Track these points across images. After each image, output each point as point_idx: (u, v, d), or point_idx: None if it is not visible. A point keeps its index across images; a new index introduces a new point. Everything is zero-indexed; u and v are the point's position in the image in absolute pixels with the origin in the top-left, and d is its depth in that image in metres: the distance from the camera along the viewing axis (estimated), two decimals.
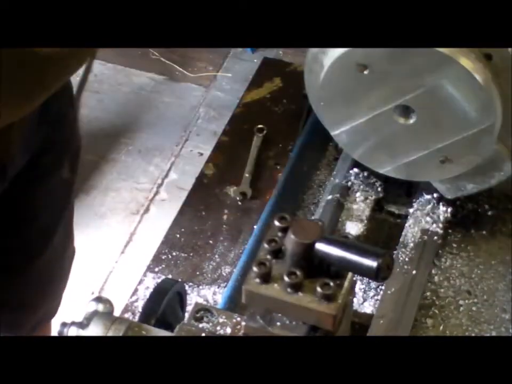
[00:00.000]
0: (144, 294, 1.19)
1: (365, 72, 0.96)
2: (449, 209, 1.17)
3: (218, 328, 0.89)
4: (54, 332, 1.62)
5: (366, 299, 1.13)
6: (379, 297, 1.11)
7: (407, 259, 1.10)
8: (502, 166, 1.07)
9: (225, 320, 0.90)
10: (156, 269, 1.23)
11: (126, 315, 1.17)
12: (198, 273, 1.23)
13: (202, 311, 0.91)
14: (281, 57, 2.82)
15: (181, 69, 2.91)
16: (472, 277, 1.13)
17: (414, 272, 1.08)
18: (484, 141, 1.00)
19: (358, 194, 1.18)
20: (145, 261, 1.25)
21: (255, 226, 1.20)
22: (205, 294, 1.19)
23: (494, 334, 1.05)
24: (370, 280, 1.13)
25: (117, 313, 0.93)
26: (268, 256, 0.74)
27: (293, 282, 0.71)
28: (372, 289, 1.14)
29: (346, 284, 0.72)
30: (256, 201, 1.29)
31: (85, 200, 2.42)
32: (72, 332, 0.85)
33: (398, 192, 1.16)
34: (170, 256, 1.25)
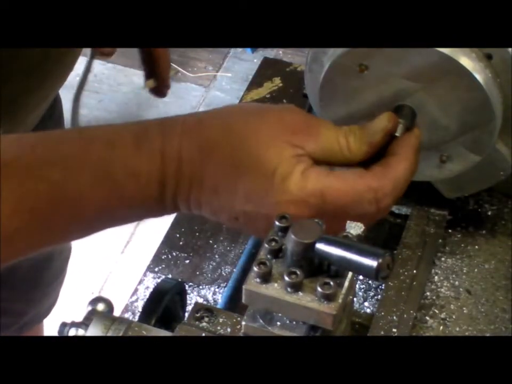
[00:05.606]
0: (144, 294, 1.19)
1: (365, 72, 0.96)
2: (449, 209, 1.17)
3: (218, 328, 0.89)
4: (47, 332, 1.62)
5: (366, 299, 1.13)
6: (379, 297, 1.11)
7: (407, 259, 1.09)
8: (502, 166, 1.06)
9: (225, 320, 0.90)
10: (156, 269, 1.23)
11: (126, 315, 1.17)
12: (198, 273, 1.23)
13: (202, 310, 0.91)
14: (281, 57, 2.82)
15: (180, 69, 2.91)
16: (472, 277, 1.13)
17: (414, 272, 1.08)
18: (483, 141, 1.00)
19: None
20: (145, 261, 1.25)
21: None
22: (205, 294, 1.19)
23: (494, 334, 1.05)
24: (370, 280, 1.13)
25: (117, 313, 0.93)
26: (268, 256, 0.74)
27: (293, 281, 0.71)
28: (372, 289, 1.14)
29: (346, 283, 0.72)
30: None
31: None
32: (72, 332, 0.85)
33: None
34: (170, 256, 1.25)
